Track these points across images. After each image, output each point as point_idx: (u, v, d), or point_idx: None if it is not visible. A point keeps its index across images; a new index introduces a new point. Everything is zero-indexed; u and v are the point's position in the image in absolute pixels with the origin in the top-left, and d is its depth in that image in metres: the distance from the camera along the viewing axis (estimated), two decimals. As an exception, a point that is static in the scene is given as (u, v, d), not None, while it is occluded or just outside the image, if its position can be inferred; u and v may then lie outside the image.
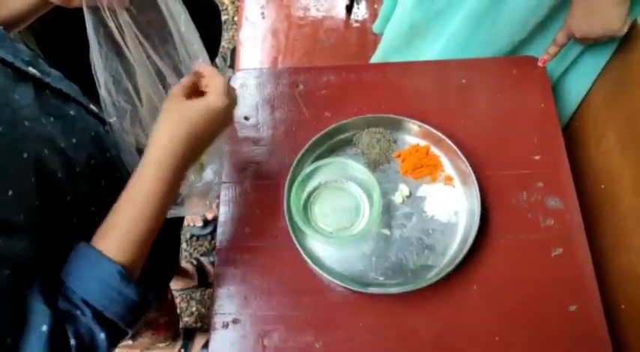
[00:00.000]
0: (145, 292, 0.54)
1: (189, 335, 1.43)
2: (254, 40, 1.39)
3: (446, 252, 0.76)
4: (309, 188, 0.80)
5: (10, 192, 0.48)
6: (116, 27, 0.64)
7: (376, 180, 0.75)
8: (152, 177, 0.56)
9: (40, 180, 0.52)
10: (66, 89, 0.64)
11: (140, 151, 0.73)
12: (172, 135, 0.57)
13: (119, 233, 0.54)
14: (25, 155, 0.51)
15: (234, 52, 1.84)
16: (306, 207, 0.79)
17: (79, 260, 0.53)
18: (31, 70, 0.59)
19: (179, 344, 1.41)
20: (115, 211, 0.55)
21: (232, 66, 1.86)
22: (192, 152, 0.59)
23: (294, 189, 0.76)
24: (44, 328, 0.47)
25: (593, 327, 0.71)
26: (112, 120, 0.68)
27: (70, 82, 0.67)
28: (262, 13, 1.43)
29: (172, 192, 0.58)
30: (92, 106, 0.70)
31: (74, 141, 0.61)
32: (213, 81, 0.61)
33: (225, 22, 2.00)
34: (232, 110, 0.63)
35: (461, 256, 0.71)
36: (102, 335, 0.51)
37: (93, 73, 0.64)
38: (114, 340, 0.53)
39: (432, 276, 0.72)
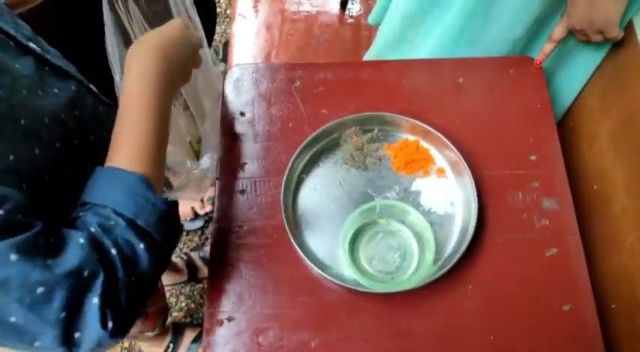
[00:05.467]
0: (171, 206, 0.54)
1: (178, 330, 1.42)
2: (247, 34, 1.38)
3: (445, 246, 0.76)
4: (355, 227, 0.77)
5: (12, 157, 0.48)
6: (125, 15, 0.65)
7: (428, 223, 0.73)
8: (140, 92, 0.56)
9: (41, 151, 0.52)
10: (65, 66, 0.64)
11: None
12: (144, 50, 0.58)
13: (127, 150, 0.54)
14: (23, 121, 0.51)
15: (226, 45, 1.83)
16: (352, 247, 0.76)
17: (98, 180, 0.53)
18: (32, 45, 0.58)
19: (168, 339, 1.40)
20: (116, 135, 0.55)
21: (225, 60, 1.84)
22: (168, 65, 0.58)
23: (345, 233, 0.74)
24: (81, 240, 0.47)
25: (586, 326, 0.71)
26: None
27: (67, 61, 0.67)
28: (255, 7, 1.41)
29: (163, 106, 0.57)
30: (91, 86, 0.70)
31: (76, 113, 0.61)
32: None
33: (217, 15, 1.97)
34: (191, 35, 0.63)
35: (457, 256, 0.72)
36: (141, 246, 0.50)
37: (109, 60, 0.65)
38: (155, 256, 0.52)
39: (428, 276, 0.72)
